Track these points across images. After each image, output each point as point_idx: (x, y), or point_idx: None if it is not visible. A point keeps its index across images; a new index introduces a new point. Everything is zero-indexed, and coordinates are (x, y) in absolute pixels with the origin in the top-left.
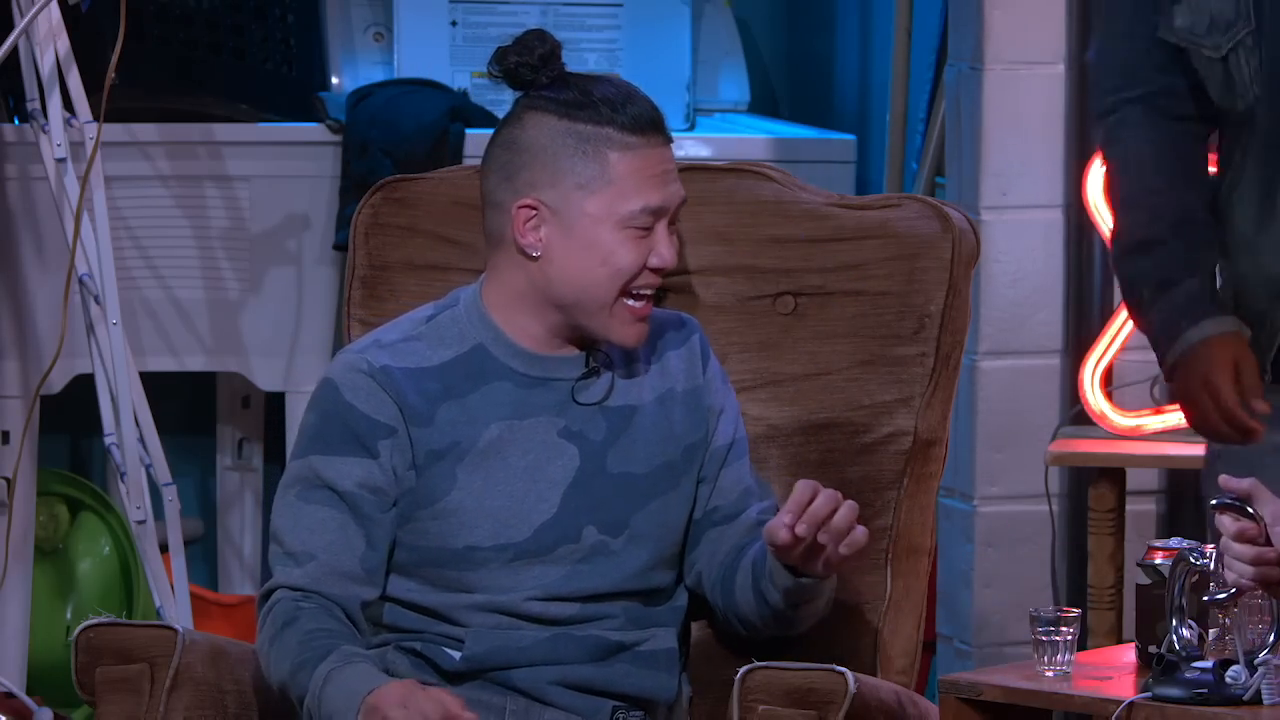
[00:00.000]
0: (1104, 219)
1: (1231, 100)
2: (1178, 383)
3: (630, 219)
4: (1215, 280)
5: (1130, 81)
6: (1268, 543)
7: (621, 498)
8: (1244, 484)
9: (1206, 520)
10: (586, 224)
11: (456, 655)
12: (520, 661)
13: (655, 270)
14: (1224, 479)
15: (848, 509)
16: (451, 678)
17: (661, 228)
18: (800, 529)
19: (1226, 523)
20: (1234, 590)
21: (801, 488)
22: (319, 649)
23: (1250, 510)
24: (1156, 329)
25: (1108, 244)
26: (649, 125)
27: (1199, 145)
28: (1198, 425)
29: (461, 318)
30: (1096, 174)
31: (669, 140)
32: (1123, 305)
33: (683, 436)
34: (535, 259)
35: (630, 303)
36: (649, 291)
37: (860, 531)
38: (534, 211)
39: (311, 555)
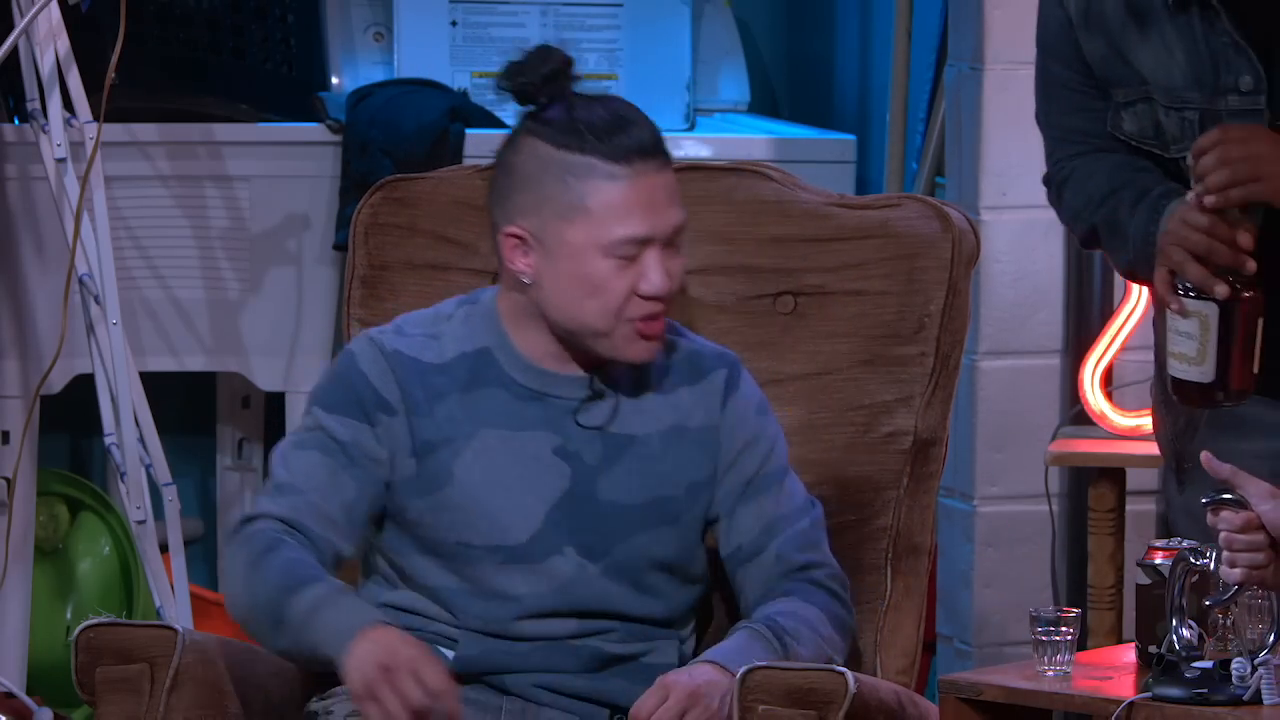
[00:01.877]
0: None
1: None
2: (1161, 246)
3: (613, 248)
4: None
5: (1080, 147)
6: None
7: (606, 526)
8: (1225, 469)
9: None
10: (569, 253)
11: (450, 654)
12: (514, 667)
13: (647, 297)
14: (1206, 458)
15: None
16: None
17: (651, 254)
18: None
19: (1229, 517)
20: (1236, 589)
21: (655, 691)
22: (303, 576)
23: (1233, 496)
24: (1141, 229)
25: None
26: (636, 153)
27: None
28: (1188, 273)
29: (476, 317)
30: None
31: (664, 165)
32: (1122, 304)
33: (687, 473)
34: (528, 285)
35: (632, 324)
36: (648, 315)
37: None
38: (519, 239)
39: (299, 490)
